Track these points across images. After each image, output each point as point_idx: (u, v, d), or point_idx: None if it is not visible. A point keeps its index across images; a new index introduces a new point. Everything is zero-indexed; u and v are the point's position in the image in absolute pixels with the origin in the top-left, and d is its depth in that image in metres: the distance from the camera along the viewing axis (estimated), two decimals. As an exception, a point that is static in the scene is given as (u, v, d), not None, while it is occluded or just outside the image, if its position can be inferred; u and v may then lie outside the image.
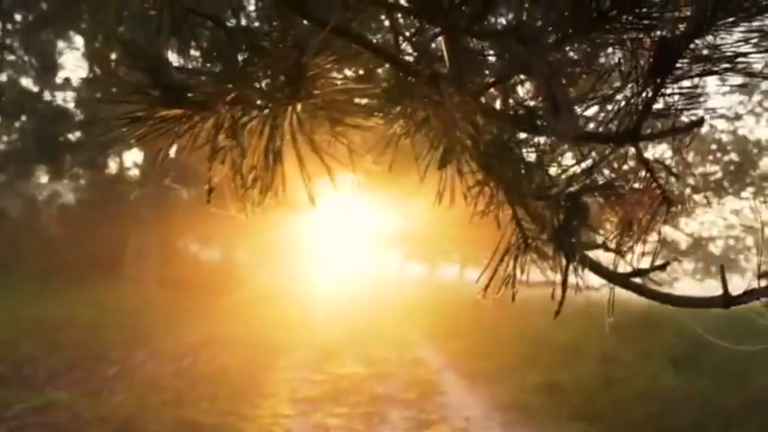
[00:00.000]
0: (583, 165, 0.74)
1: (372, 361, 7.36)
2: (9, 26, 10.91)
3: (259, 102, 0.64)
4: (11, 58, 11.50)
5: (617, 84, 0.80)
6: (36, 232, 12.33)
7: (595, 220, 0.80)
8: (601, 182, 0.71)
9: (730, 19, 0.72)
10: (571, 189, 0.70)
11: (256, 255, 15.76)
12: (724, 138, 12.77)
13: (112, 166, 13.89)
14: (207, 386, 6.07)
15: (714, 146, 12.55)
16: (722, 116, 11.93)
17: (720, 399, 4.77)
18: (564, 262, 0.74)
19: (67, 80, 12.54)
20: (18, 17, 11.34)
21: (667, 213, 0.79)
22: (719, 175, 12.80)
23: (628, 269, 0.88)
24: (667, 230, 14.78)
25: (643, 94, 0.77)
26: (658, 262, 0.82)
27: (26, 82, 12.40)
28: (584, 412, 5.04)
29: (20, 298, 9.32)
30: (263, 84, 0.64)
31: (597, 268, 0.75)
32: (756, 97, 12.09)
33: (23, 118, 12.17)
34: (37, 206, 12.86)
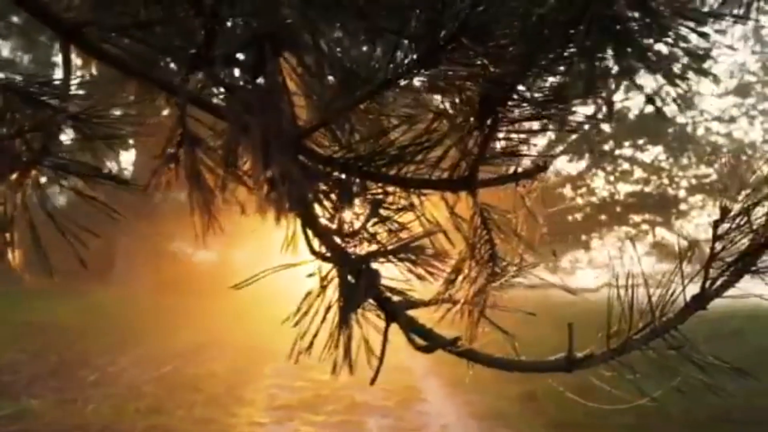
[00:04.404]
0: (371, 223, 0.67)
1: (355, 367, 7.30)
2: None
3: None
4: None
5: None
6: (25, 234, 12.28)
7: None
8: (395, 245, 0.65)
9: (548, 62, 0.65)
10: (361, 253, 0.64)
11: (252, 258, 15.72)
12: (720, 140, 12.68)
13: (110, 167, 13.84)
14: (187, 393, 6.04)
15: (708, 148, 12.45)
16: (717, 118, 11.82)
17: (698, 411, 4.71)
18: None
19: None
20: None
21: (493, 273, 0.72)
22: (714, 177, 12.69)
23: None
24: (662, 232, 14.67)
25: (475, 138, 0.71)
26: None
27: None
28: (560, 420, 4.99)
29: (9, 302, 9.30)
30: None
31: (419, 332, 0.69)
32: (750, 100, 11.98)
33: None
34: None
